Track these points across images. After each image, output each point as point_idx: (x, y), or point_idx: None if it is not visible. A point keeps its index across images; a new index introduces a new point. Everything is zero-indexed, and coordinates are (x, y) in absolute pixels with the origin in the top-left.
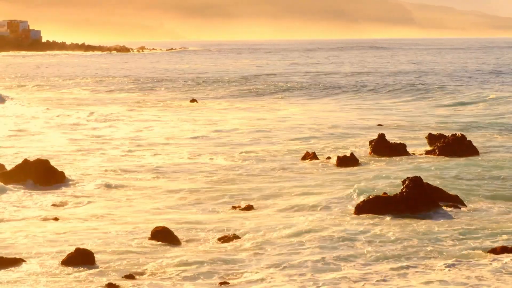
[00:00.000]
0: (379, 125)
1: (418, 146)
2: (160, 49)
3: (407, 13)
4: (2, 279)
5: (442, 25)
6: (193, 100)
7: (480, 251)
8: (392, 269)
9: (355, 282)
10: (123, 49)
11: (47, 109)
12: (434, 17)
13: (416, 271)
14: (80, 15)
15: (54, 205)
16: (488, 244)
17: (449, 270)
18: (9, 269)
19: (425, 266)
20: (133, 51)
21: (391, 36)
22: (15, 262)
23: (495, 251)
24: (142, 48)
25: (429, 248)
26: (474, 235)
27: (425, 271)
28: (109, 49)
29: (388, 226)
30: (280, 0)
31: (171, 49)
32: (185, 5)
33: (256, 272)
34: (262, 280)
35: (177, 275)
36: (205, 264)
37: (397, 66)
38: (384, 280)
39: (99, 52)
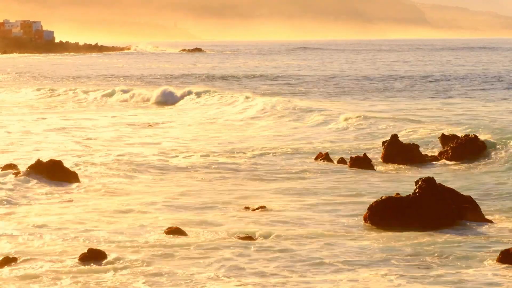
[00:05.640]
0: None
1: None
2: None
3: (421, 13)
4: (14, 280)
5: (456, 25)
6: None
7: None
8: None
9: None
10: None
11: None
12: (447, 18)
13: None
14: (92, 15)
15: (66, 203)
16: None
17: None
18: (22, 269)
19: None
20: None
21: (405, 37)
22: (28, 262)
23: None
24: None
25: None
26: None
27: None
28: (122, 49)
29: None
30: (296, 1)
31: (184, 49)
32: (200, 6)
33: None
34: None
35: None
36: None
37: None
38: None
39: (112, 52)
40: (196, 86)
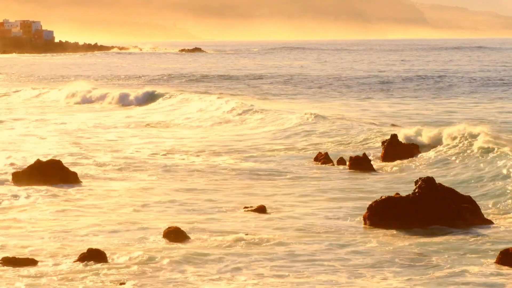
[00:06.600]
0: (393, 125)
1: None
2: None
3: (420, 13)
4: (13, 280)
5: (456, 25)
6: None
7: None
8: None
9: None
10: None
11: None
12: (447, 18)
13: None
14: (92, 15)
15: (66, 203)
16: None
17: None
18: (23, 269)
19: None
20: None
21: (405, 37)
22: (26, 262)
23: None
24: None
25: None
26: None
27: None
28: (120, 48)
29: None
30: (296, 1)
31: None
32: (200, 6)
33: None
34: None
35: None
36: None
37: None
38: None
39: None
40: (188, 86)
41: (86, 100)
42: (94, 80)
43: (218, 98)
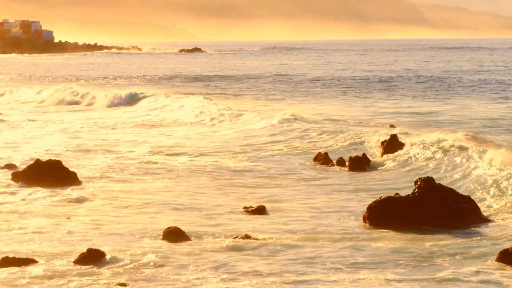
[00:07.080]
0: (391, 126)
1: None
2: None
3: (420, 13)
4: (13, 280)
5: (456, 25)
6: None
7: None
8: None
9: None
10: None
11: None
12: (447, 18)
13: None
14: (92, 15)
15: (66, 203)
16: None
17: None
18: (20, 269)
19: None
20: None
21: (405, 37)
22: (26, 262)
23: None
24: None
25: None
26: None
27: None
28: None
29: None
30: (296, 1)
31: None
32: (200, 6)
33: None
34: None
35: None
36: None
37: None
38: None
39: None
40: (187, 86)
41: (81, 101)
42: (92, 80)
43: (215, 98)
